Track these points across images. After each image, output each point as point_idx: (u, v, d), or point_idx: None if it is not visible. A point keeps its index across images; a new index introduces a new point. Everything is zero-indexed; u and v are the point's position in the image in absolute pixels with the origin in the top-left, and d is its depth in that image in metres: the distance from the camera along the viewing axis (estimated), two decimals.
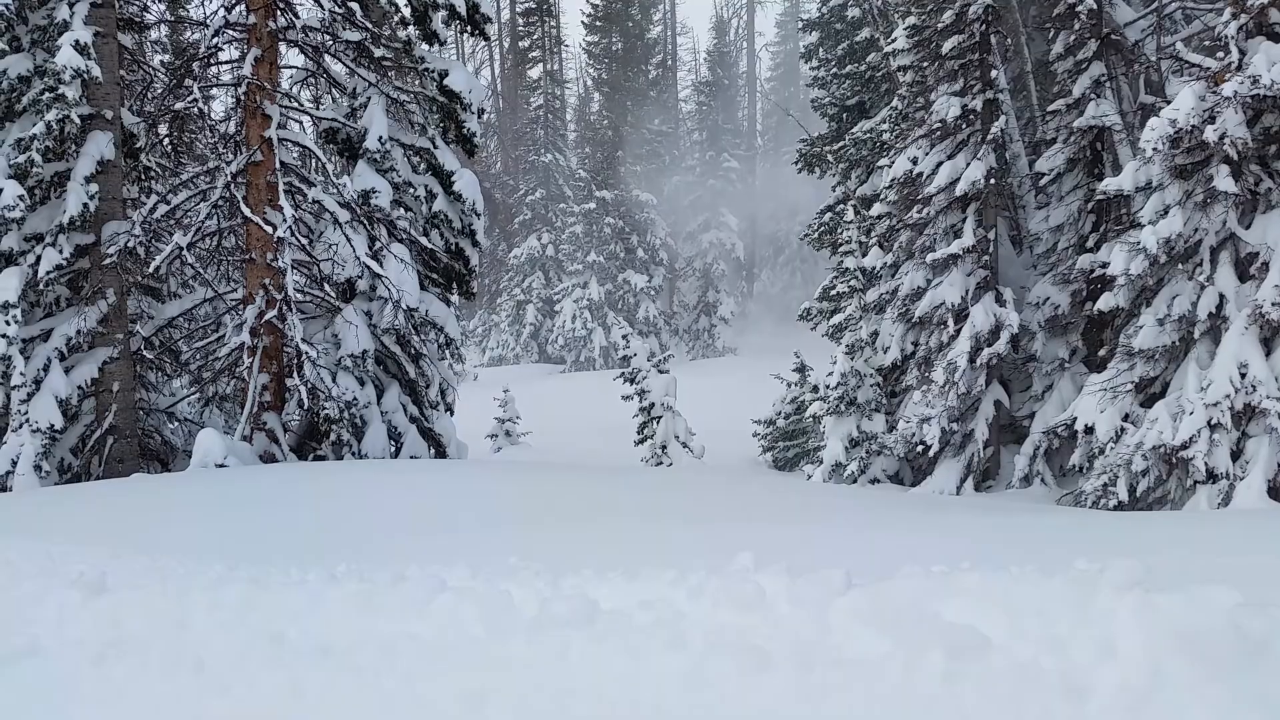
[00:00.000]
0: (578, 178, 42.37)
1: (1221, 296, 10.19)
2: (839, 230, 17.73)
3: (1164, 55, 13.34)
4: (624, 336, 19.12)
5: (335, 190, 12.23)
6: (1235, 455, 9.60)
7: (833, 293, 17.47)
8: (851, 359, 15.37)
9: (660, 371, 18.47)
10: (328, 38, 13.02)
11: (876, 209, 16.34)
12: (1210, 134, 10.14)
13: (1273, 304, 9.54)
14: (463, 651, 3.34)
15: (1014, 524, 6.40)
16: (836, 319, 16.73)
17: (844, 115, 20.80)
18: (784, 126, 41.38)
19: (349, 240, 11.87)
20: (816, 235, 20.59)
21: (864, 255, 16.25)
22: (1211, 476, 9.57)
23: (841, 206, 18.80)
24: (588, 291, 37.31)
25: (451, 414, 13.44)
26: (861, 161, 19.15)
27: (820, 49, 22.82)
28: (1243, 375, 9.50)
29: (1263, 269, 10.05)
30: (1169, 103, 10.96)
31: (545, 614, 3.51)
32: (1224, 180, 10.18)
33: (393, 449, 12.15)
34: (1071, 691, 2.56)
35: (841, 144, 19.82)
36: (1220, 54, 10.78)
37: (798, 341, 22.21)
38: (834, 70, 21.55)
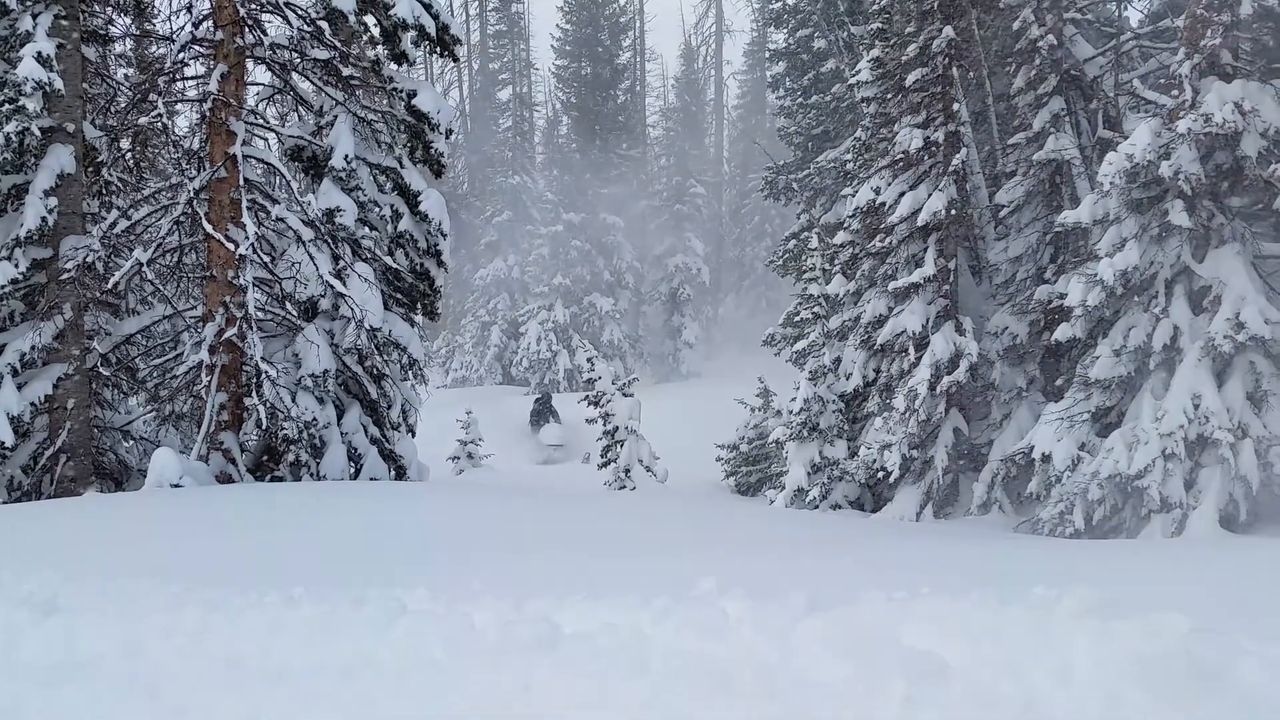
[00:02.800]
0: (545, 200, 42.42)
1: (1176, 328, 10.41)
2: (803, 257, 17.92)
3: (1122, 91, 13.68)
4: (589, 359, 19.07)
5: (299, 208, 12.15)
6: (1189, 485, 9.78)
7: (796, 319, 17.64)
8: (814, 385, 15.49)
9: (625, 395, 18.48)
10: (296, 55, 12.96)
11: (840, 237, 16.55)
12: (1166, 169, 10.39)
13: (1225, 336, 9.77)
14: (423, 675, 3.31)
15: (973, 551, 6.46)
16: (800, 345, 16.87)
17: (809, 144, 21.10)
18: (751, 154, 41.78)
19: (312, 259, 11.78)
20: (781, 261, 20.79)
21: (827, 282, 16.42)
22: (1165, 505, 9.73)
23: (806, 234, 19.02)
24: (553, 314, 37.25)
25: (413, 435, 13.33)
26: (826, 190, 19.42)
27: (787, 79, 23.16)
28: (1196, 406, 9.69)
29: (1215, 302, 10.28)
30: (1126, 138, 11.22)
31: (508, 638, 3.49)
32: (1179, 215, 10.43)
33: (352, 470, 12.01)
34: (1030, 717, 2.59)
35: (806, 172, 20.09)
36: (1175, 92, 11.06)
37: (762, 366, 22.35)
38: (800, 100, 21.87)
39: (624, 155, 44.52)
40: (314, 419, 11.55)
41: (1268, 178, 10.30)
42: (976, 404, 14.43)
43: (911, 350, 13.59)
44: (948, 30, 14.31)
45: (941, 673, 2.81)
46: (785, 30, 23.01)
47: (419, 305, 13.40)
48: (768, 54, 26.83)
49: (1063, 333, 11.49)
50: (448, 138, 13.47)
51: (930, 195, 13.83)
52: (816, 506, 15.08)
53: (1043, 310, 12.96)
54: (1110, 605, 2.85)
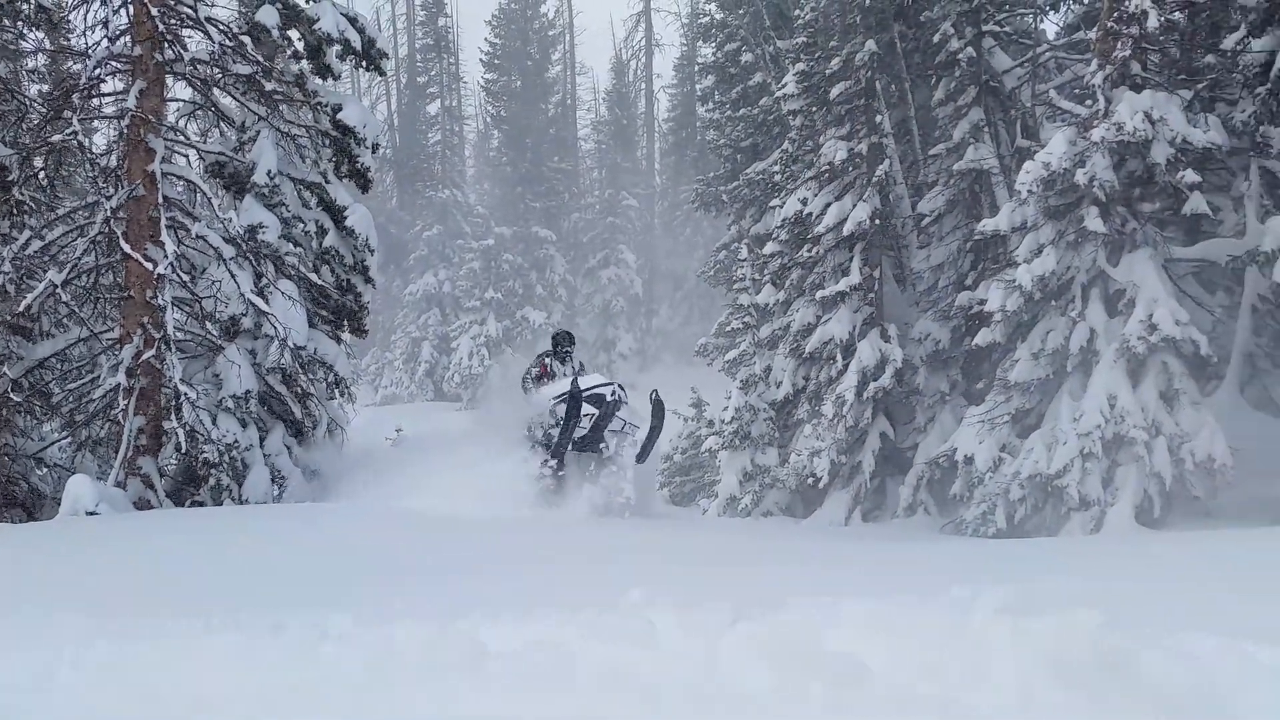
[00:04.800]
0: (476, 214, 42.19)
1: (1092, 331, 10.72)
2: (734, 268, 18.07)
3: (1039, 102, 14.09)
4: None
5: (221, 225, 11.87)
6: (1106, 483, 10.07)
7: (728, 329, 17.76)
8: (746, 394, 15.62)
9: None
10: (217, 71, 12.69)
11: (769, 247, 16.72)
12: (1081, 177, 10.72)
13: (1139, 338, 10.09)
14: (345, 700, 3.24)
15: (897, 553, 6.55)
16: (731, 354, 17.00)
17: (738, 156, 21.28)
18: (682, 166, 42.07)
19: (233, 276, 11.51)
20: (713, 272, 20.94)
21: (757, 292, 16.58)
22: (1084, 503, 10.01)
23: (736, 244, 19.18)
24: (485, 328, 37.02)
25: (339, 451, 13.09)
26: (755, 201, 19.59)
27: (715, 92, 23.37)
28: (1112, 406, 9.99)
29: (1129, 305, 10.62)
30: (1043, 147, 11.54)
31: (431, 658, 3.43)
32: (1094, 221, 10.76)
33: (276, 492, 11.74)
34: (947, 716, 2.63)
35: (736, 184, 20.25)
36: (1089, 102, 11.43)
37: (696, 377, 22.46)
38: (728, 113, 22.06)
39: (556, 168, 44.53)
40: (235, 441, 11.27)
41: (1176, 184, 10.70)
42: (902, 409, 14.69)
43: (839, 357, 13.80)
44: (870, 44, 14.60)
45: (862, 676, 2.84)
46: (713, 44, 23.23)
47: (346, 322, 13.19)
48: (697, 68, 27.07)
49: (983, 338, 11.76)
50: (374, 152, 13.32)
51: (855, 206, 14.08)
52: (749, 514, 15.19)
53: (964, 316, 13.26)
54: (1026, 603, 2.91)
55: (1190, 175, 10.55)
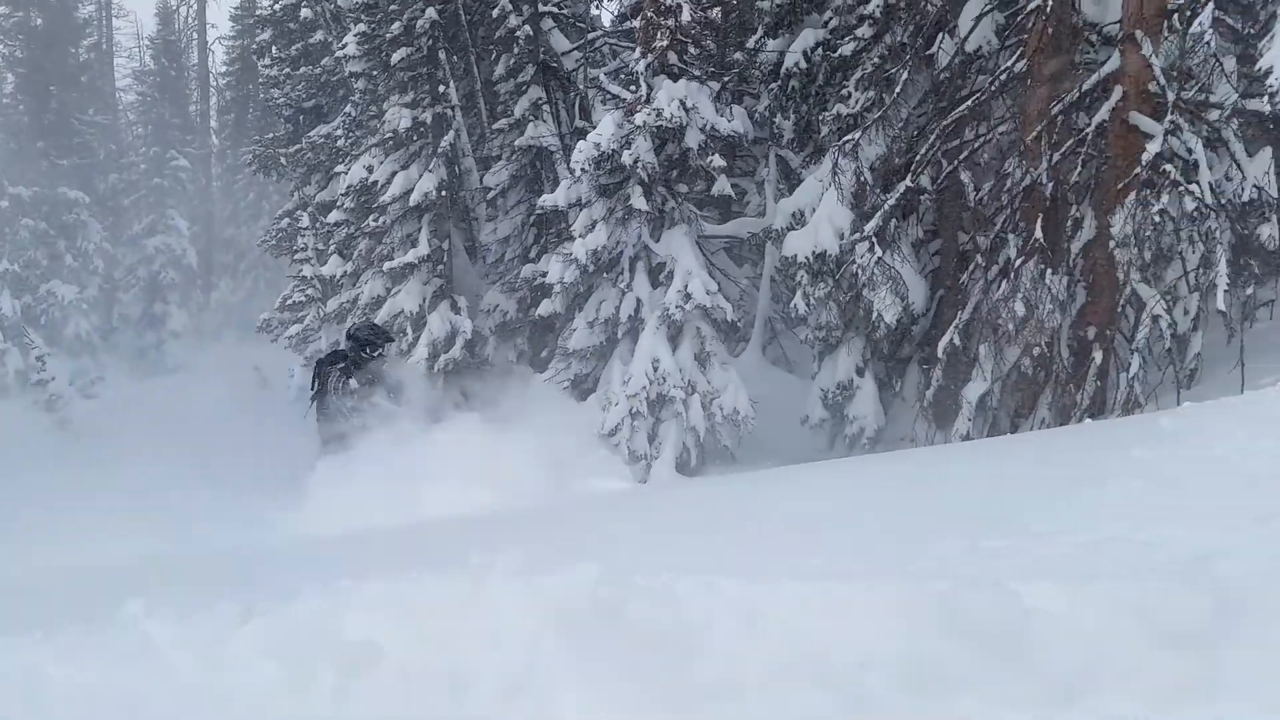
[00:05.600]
0: None
1: (639, 301, 11.54)
2: (296, 237, 17.06)
3: (591, 85, 14.84)
4: (39, 358, 16.38)
5: None
6: (651, 438, 10.96)
7: (290, 302, 16.75)
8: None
9: (86, 398, 16.18)
10: None
11: (334, 216, 16.00)
12: (627, 158, 11.44)
13: (676, 306, 11.04)
14: None
15: (430, 526, 6.48)
16: (295, 329, 16.06)
17: (301, 118, 20.08)
18: (242, 125, 38.95)
19: None
20: (275, 242, 19.61)
21: (323, 264, 15.80)
22: (634, 458, 10.83)
23: (299, 213, 18.12)
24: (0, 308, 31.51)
25: None
26: (320, 166, 18.62)
27: (274, 47, 21.81)
28: (655, 368, 10.86)
29: (669, 277, 11.59)
30: (596, 128, 12.18)
31: None
32: (638, 199, 11.55)
33: None
34: (457, 688, 2.59)
35: (299, 147, 19.10)
36: (634, 87, 12.23)
37: (260, 355, 20.96)
38: (288, 70, 20.71)
39: (89, 122, 38.94)
40: None
41: (706, 167, 11.84)
42: (478, 380, 14.85)
43: (409, 330, 13.59)
44: (431, 11, 14.39)
45: (374, 659, 2.73)
46: None
47: None
48: (253, 20, 25.05)
49: (545, 308, 12.22)
50: None
51: (421, 176, 13.89)
52: None
53: (529, 288, 13.68)
54: (538, 563, 2.97)
55: (718, 160, 11.71)
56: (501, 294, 14.13)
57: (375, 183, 14.53)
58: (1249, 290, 8.30)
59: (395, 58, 14.44)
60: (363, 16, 16.11)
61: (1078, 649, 1.90)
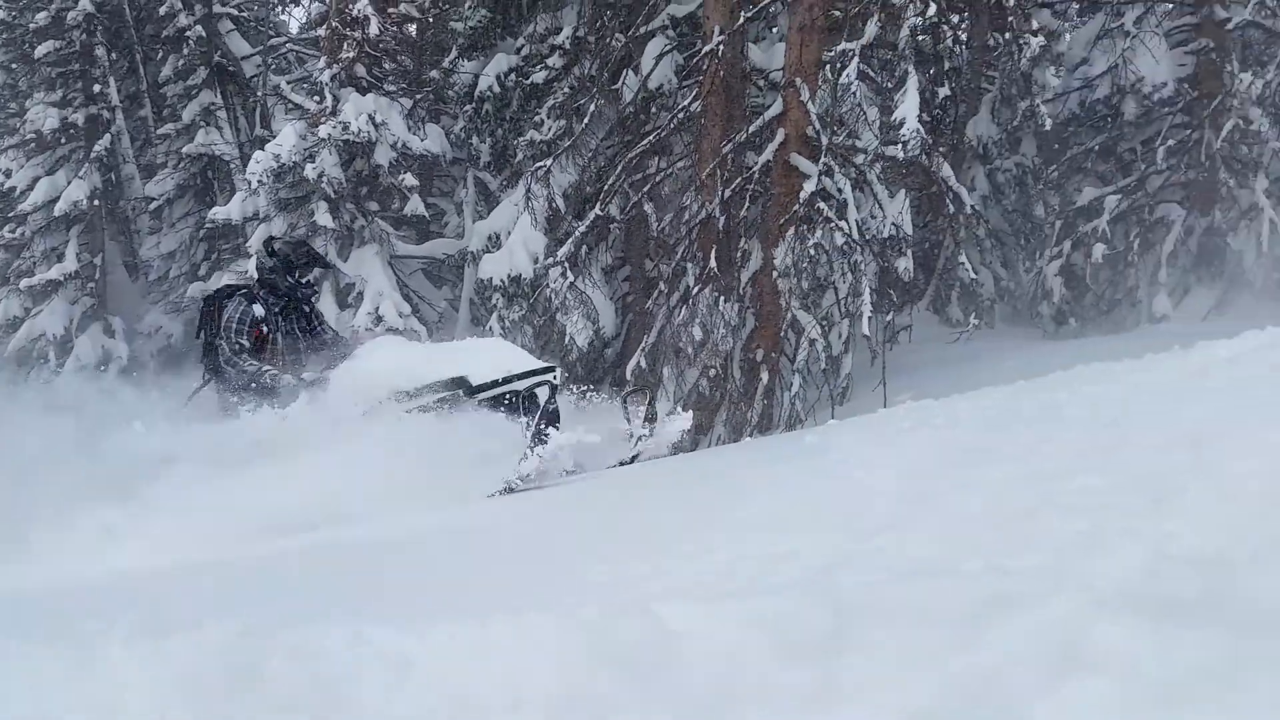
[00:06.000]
0: None
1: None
2: None
3: (272, 93, 14.01)
4: None
5: None
6: None
7: None
8: None
9: None
10: None
11: None
12: (311, 171, 10.90)
13: (366, 329, 10.61)
14: None
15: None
16: None
17: None
18: None
19: None
20: None
21: None
22: None
23: None
24: None
25: None
26: None
27: None
28: None
29: (359, 298, 11.14)
30: (276, 137, 11.49)
31: None
32: (324, 216, 11.03)
33: None
34: None
35: None
36: (318, 98, 11.66)
37: None
38: None
39: None
40: None
41: (399, 185, 11.51)
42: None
43: (52, 356, 12.08)
44: (85, 3, 12.98)
45: None
46: None
47: None
48: None
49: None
50: None
51: (70, 182, 12.46)
52: None
53: (196, 308, 12.61)
54: (161, 624, 2.66)
55: (410, 179, 11.44)
56: (165, 315, 12.95)
57: (14, 189, 12.85)
58: (889, 316, 9.30)
59: (41, 50, 12.87)
60: (3, 3, 14.24)
61: (717, 666, 1.95)
